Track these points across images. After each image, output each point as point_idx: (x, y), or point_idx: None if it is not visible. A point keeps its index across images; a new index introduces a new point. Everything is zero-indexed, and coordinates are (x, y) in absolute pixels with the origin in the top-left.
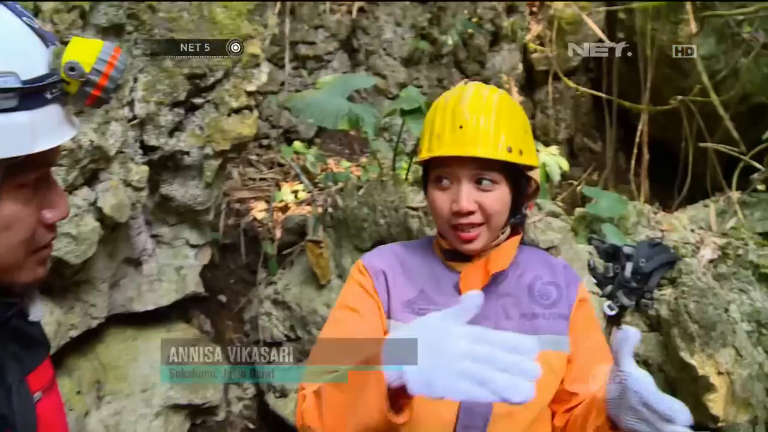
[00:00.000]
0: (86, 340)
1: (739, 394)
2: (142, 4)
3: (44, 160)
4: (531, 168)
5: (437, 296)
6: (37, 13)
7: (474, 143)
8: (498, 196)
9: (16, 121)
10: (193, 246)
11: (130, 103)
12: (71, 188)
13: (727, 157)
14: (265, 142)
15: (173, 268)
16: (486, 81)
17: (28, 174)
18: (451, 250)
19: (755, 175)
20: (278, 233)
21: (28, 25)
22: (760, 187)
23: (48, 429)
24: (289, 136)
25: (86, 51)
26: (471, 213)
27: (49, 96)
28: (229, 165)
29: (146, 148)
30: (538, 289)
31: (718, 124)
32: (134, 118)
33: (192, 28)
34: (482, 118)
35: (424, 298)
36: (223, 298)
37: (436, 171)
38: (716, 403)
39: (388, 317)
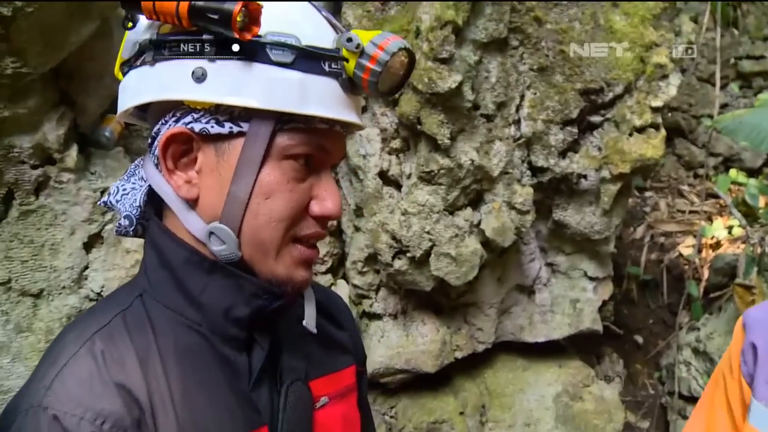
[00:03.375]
0: (471, 363)
1: None
2: (527, 16)
3: (317, 142)
4: None
5: None
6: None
7: None
8: None
9: (289, 77)
10: (591, 278)
11: (517, 122)
12: (452, 208)
13: None
14: (700, 171)
15: (569, 300)
16: None
17: (297, 145)
18: None
19: None
20: (705, 273)
21: (324, 17)
22: None
23: None
24: (730, 164)
25: (370, 35)
26: None
27: (326, 68)
28: (628, 191)
29: (534, 169)
30: None
31: None
32: (520, 137)
33: (584, 39)
34: None
35: None
36: (639, 338)
37: None
38: None
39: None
